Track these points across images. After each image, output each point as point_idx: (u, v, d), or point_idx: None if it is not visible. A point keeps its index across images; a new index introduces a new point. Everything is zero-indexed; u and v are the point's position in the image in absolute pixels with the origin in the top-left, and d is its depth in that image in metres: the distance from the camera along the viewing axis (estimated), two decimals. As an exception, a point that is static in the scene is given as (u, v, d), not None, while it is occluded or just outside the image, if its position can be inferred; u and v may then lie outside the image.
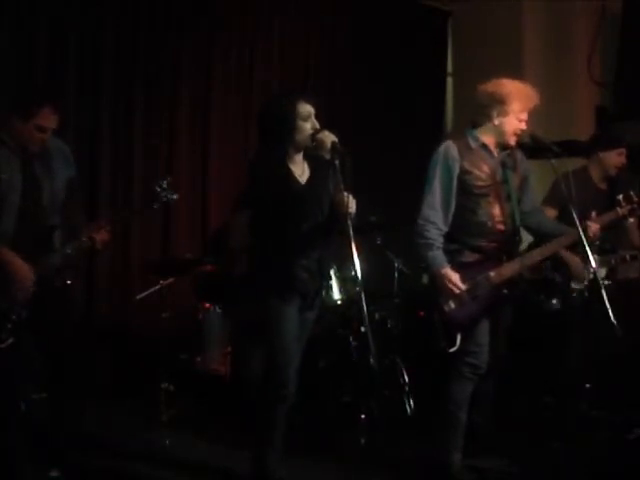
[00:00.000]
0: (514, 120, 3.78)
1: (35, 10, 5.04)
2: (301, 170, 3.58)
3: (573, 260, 4.50)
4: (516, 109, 3.77)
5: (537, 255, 3.93)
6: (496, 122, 3.80)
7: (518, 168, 3.95)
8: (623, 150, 4.72)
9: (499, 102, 3.77)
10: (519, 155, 3.98)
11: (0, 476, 3.60)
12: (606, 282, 4.34)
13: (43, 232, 3.65)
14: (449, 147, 3.85)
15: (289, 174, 3.52)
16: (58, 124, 3.62)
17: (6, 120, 3.57)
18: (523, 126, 3.81)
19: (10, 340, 3.49)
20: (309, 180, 3.56)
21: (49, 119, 3.56)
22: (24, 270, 3.51)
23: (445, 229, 3.83)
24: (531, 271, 4.08)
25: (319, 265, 3.61)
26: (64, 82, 5.20)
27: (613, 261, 4.57)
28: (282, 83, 6.17)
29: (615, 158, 4.70)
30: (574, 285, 4.55)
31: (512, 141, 3.84)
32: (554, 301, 4.70)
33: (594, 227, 3.86)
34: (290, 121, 3.44)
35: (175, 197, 3.92)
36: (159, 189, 3.87)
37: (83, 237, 3.67)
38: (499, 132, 3.83)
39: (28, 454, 3.63)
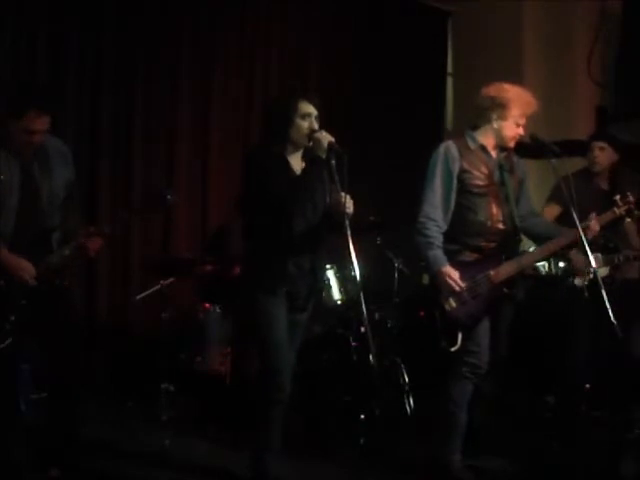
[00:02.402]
0: (512, 125, 3.83)
1: (35, 10, 5.04)
2: (299, 167, 3.59)
3: (576, 256, 4.50)
4: (515, 114, 3.81)
5: (536, 255, 3.94)
6: (495, 125, 3.85)
7: (515, 171, 3.98)
8: (602, 144, 4.74)
9: (499, 106, 3.81)
10: (516, 158, 4.02)
11: (0, 476, 3.60)
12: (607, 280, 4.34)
13: (41, 233, 3.64)
14: (449, 146, 3.88)
15: (286, 165, 3.53)
16: (51, 124, 3.58)
17: (3, 122, 3.57)
18: (521, 131, 3.86)
19: (8, 340, 3.49)
20: (303, 173, 3.57)
21: (35, 122, 3.51)
22: (21, 264, 3.53)
23: (445, 227, 3.84)
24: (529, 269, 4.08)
25: (312, 264, 3.61)
26: (64, 82, 5.20)
27: (616, 260, 4.56)
28: (282, 83, 6.17)
29: (598, 154, 4.73)
30: (576, 282, 4.55)
31: (510, 144, 3.89)
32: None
33: (594, 228, 3.86)
34: (287, 116, 3.48)
35: (171, 198, 3.89)
36: (162, 193, 3.88)
37: (80, 239, 3.65)
38: (498, 135, 3.87)
39: (28, 454, 3.64)
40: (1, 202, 3.52)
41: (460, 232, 3.84)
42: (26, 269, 3.53)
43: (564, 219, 4.44)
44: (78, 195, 3.92)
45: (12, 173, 3.55)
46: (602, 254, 4.45)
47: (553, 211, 4.67)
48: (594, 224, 3.88)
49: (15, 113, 3.51)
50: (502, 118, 3.82)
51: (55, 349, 3.64)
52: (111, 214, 4.13)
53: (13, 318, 3.51)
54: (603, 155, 4.74)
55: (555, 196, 4.69)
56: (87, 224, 3.81)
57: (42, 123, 3.54)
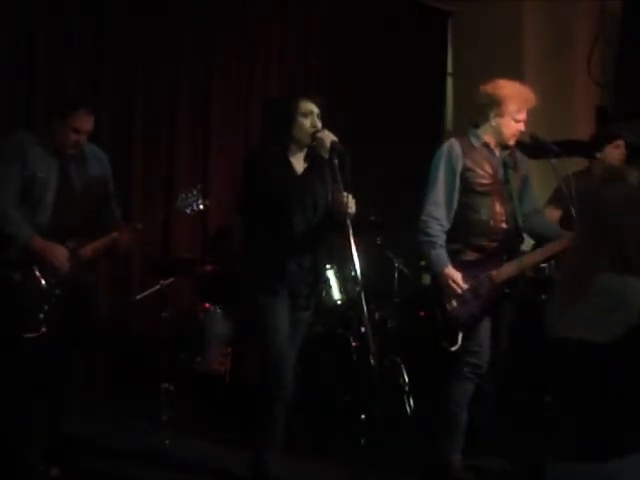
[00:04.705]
0: (511, 121, 3.81)
1: (35, 10, 5.03)
2: (301, 167, 3.59)
3: None
4: (512, 110, 3.79)
5: (538, 256, 3.93)
6: (493, 123, 3.84)
7: (519, 168, 3.96)
8: (620, 142, 4.71)
9: (496, 103, 3.80)
10: (519, 155, 4.00)
11: (1, 475, 3.60)
12: None
13: (75, 230, 3.71)
14: (453, 144, 3.87)
15: (287, 164, 3.54)
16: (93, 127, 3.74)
17: (47, 121, 3.72)
18: (521, 127, 3.83)
19: (42, 331, 3.53)
20: (304, 172, 3.58)
21: (84, 121, 3.67)
22: (52, 247, 3.61)
23: (447, 226, 3.83)
24: (533, 270, 4.07)
25: (313, 263, 3.61)
26: (64, 82, 5.20)
27: None
28: (282, 82, 6.17)
29: (613, 151, 4.69)
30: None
31: (510, 141, 3.87)
32: None
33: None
34: (289, 115, 3.48)
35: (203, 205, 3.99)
36: (189, 195, 3.96)
37: (112, 234, 3.74)
38: (497, 132, 3.86)
39: (30, 453, 3.64)
40: (37, 198, 3.63)
41: (463, 231, 3.83)
42: (58, 253, 3.61)
43: (565, 222, 4.44)
44: (115, 201, 4.00)
45: (49, 171, 3.67)
46: None
47: (552, 214, 4.66)
48: None
49: (65, 111, 3.64)
50: (499, 115, 3.81)
51: (65, 344, 3.66)
52: (144, 215, 4.18)
53: (47, 307, 3.55)
54: (621, 153, 4.72)
55: (555, 199, 4.68)
56: (121, 221, 3.92)
57: (89, 123, 3.71)
